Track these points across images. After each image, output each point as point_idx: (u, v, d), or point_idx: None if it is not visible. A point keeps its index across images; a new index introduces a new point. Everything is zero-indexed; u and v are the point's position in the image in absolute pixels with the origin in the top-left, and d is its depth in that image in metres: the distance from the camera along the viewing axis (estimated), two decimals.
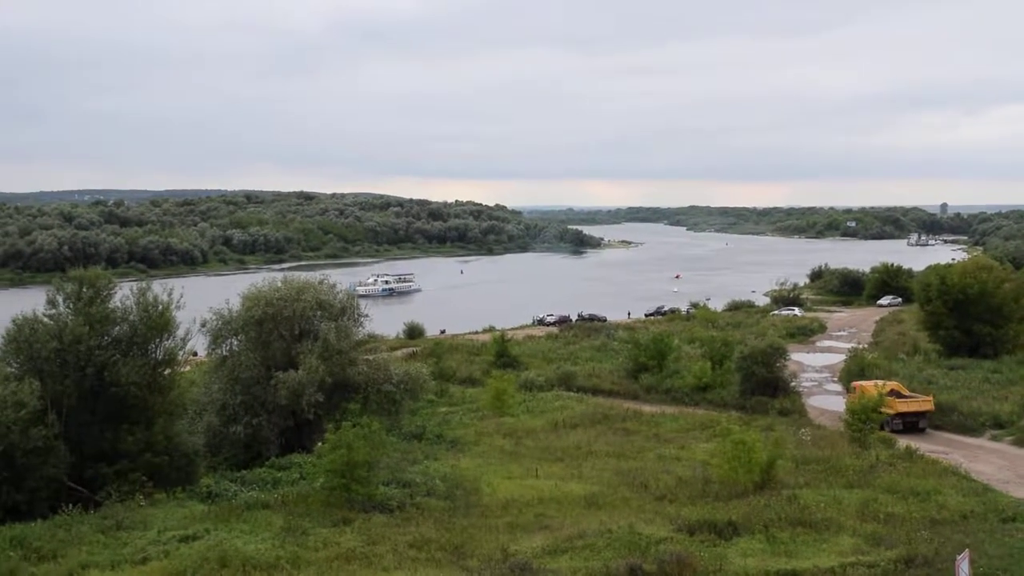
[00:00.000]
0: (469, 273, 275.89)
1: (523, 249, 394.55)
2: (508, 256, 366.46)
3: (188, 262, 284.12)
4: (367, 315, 60.31)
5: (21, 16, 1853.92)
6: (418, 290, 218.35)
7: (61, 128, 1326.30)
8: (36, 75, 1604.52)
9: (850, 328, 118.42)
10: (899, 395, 62.71)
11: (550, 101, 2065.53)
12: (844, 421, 57.89)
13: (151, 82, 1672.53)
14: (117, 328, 44.56)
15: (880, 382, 65.71)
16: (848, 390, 71.06)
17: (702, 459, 49.29)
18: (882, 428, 58.15)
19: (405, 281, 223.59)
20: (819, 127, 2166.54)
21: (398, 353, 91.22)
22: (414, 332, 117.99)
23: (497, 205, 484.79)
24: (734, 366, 73.15)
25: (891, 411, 60.28)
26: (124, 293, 45.97)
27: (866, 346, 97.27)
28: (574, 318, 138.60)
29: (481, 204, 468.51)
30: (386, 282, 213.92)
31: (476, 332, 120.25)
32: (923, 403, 62.93)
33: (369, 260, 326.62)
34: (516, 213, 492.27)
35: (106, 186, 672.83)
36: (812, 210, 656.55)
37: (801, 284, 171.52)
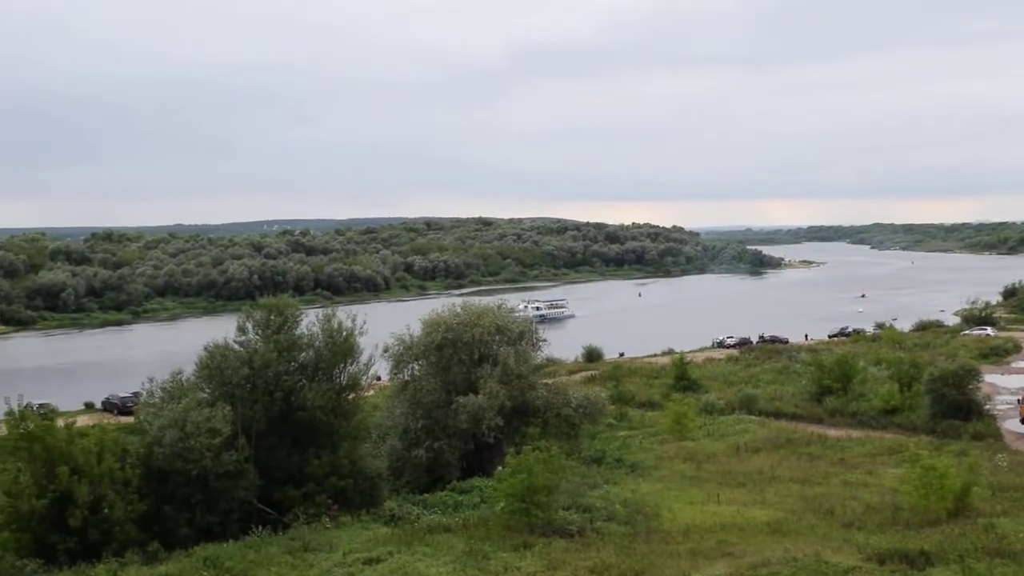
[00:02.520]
0: (647, 296, 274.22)
1: (701, 271, 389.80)
2: (686, 278, 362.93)
3: (371, 288, 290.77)
4: (545, 339, 60.50)
5: (208, 51, 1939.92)
6: (571, 316, 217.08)
7: (250, 160, 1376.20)
8: (227, 109, 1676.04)
9: None
10: None
11: (724, 120, 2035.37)
12: None
13: (333, 113, 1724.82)
14: (303, 354, 45.58)
15: None
16: (1020, 402, 68.69)
17: (891, 485, 47.68)
18: None
19: (557, 307, 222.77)
20: (1010, 139, 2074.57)
21: (576, 377, 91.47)
22: (592, 355, 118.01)
23: (674, 226, 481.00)
24: (923, 388, 70.78)
25: None
26: (310, 320, 47.01)
27: None
28: (755, 340, 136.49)
29: (658, 226, 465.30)
30: (537, 308, 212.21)
31: (655, 355, 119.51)
32: None
33: (547, 284, 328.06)
34: (693, 234, 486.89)
35: (293, 216, 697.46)
36: (1004, 225, 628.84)
37: (993, 303, 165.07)
